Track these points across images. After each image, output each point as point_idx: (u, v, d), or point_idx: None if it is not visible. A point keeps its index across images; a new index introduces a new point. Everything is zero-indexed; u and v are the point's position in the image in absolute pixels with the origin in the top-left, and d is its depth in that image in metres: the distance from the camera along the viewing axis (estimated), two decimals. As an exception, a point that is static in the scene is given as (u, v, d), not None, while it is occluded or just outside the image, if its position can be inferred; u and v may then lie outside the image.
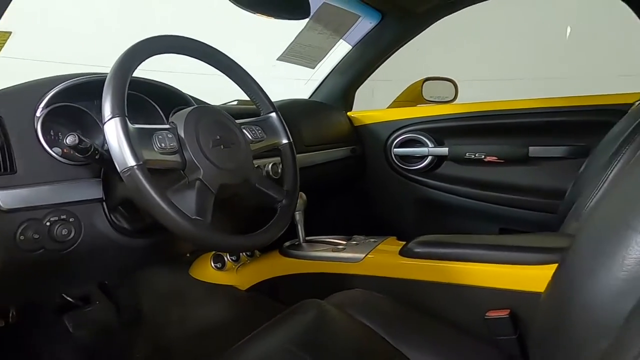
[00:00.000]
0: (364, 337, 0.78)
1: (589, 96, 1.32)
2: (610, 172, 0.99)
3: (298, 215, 1.10)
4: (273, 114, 0.91)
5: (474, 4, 1.40)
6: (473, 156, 1.47)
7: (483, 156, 1.45)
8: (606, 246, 0.57)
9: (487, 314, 0.81)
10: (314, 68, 1.62)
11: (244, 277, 1.17)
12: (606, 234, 0.58)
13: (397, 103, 1.71)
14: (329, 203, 1.71)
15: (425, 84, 1.66)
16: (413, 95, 1.69)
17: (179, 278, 1.23)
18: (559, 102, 1.35)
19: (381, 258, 0.97)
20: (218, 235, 0.69)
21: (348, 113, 1.66)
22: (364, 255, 0.98)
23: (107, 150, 0.67)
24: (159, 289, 1.23)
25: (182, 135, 0.71)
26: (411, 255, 0.93)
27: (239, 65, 0.88)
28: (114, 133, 0.62)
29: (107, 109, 0.63)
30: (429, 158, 1.54)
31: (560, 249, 0.75)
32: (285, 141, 0.90)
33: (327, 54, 1.58)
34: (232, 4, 1.06)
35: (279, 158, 0.96)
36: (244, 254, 1.27)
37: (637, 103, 1.18)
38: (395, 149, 1.59)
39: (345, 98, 1.69)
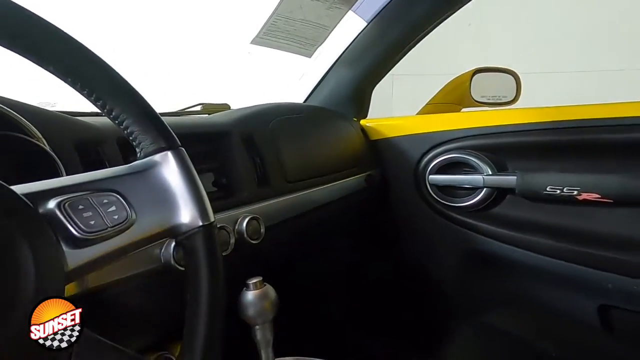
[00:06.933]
0: None
1: None
2: None
3: (259, 334, 0.57)
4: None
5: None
6: (558, 191, 0.93)
7: (576, 192, 0.92)
8: None
9: None
10: (310, 56, 1.11)
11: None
12: None
13: (433, 107, 1.18)
14: (324, 260, 1.20)
15: (475, 77, 1.13)
16: (456, 95, 1.15)
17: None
18: None
19: None
20: None
21: (361, 122, 1.14)
22: None
23: None
24: None
25: None
26: None
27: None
28: None
29: None
30: (485, 191, 1.01)
31: None
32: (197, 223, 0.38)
33: (329, 33, 1.06)
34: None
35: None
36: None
37: None
38: (431, 176, 1.07)
39: (358, 100, 1.17)
